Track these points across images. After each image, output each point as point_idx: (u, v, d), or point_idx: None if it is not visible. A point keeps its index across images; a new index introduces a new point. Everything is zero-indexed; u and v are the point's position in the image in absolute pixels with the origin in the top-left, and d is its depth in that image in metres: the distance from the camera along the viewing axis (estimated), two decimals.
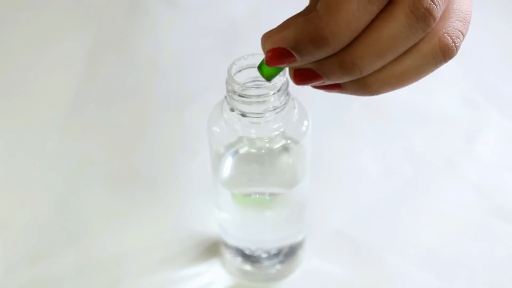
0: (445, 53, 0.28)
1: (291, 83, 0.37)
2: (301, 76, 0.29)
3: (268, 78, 0.31)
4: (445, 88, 0.63)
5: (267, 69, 0.30)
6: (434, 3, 0.26)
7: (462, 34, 0.28)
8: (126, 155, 0.57)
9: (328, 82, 0.29)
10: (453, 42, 0.28)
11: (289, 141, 0.40)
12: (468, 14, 0.28)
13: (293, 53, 0.27)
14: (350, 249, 0.49)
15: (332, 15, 0.26)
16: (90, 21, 0.72)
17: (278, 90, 0.36)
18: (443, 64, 0.28)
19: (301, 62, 0.28)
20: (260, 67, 0.31)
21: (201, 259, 0.48)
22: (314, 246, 0.49)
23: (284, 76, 0.36)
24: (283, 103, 0.37)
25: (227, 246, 0.46)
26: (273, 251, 0.46)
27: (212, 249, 0.49)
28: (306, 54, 0.27)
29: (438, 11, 0.26)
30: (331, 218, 0.51)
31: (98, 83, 0.65)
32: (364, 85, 0.29)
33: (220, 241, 0.47)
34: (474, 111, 0.61)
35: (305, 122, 0.40)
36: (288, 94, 0.37)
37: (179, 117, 0.60)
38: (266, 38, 0.28)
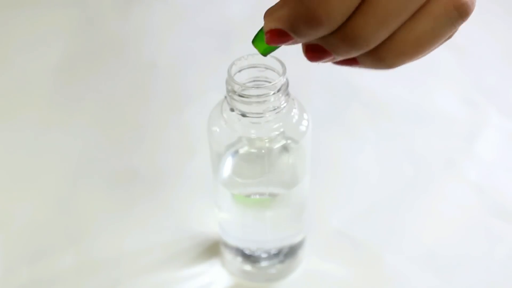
0: (459, 9, 0.25)
1: (291, 83, 0.37)
2: (313, 52, 0.27)
3: (263, 54, 0.29)
4: (445, 88, 0.63)
5: (263, 45, 0.28)
6: None
7: None
8: (126, 155, 0.57)
9: (339, 58, 0.27)
10: None
11: (289, 141, 0.40)
12: None
13: (290, 34, 0.26)
14: (350, 249, 0.49)
15: None
16: (89, 22, 0.72)
17: (278, 90, 0.36)
18: (460, 23, 0.26)
19: (302, 41, 0.26)
20: (255, 41, 0.29)
21: (201, 259, 0.48)
22: (314, 246, 0.49)
23: (284, 76, 0.36)
24: (283, 103, 0.37)
25: (227, 246, 0.46)
26: (273, 251, 0.46)
27: (212, 249, 0.49)
28: (302, 35, 0.26)
29: None
30: (331, 218, 0.51)
31: (97, 83, 0.65)
32: (378, 58, 0.27)
33: (220, 241, 0.47)
34: (474, 111, 0.61)
35: (305, 122, 0.40)
36: (288, 94, 0.37)
37: (179, 117, 0.60)
38: (266, 16, 0.26)
